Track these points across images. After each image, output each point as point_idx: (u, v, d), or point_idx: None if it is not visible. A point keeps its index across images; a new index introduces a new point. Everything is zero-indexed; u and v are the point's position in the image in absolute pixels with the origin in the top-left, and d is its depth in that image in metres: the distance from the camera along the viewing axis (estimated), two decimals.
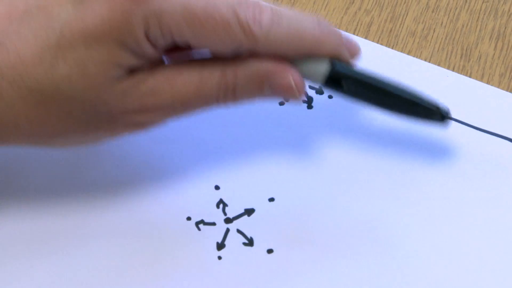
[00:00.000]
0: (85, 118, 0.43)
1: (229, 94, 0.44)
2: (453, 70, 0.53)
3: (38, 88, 0.42)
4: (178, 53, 0.45)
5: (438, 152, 0.50)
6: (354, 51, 0.46)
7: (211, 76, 0.44)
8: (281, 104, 0.52)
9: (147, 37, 0.42)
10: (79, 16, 0.41)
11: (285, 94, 0.44)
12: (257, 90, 0.44)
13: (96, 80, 0.42)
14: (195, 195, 0.49)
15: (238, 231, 0.48)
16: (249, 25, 0.42)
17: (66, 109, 0.42)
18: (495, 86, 0.52)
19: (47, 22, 0.42)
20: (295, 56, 0.44)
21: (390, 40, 0.54)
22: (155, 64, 0.43)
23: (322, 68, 0.45)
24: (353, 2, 0.55)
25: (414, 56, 0.53)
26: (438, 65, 0.53)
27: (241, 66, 0.44)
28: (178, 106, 0.44)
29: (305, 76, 0.45)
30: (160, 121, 0.45)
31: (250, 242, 0.48)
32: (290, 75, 0.44)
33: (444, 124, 0.47)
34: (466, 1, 0.55)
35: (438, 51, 0.54)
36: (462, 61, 0.53)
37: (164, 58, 0.44)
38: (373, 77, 0.46)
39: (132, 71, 0.43)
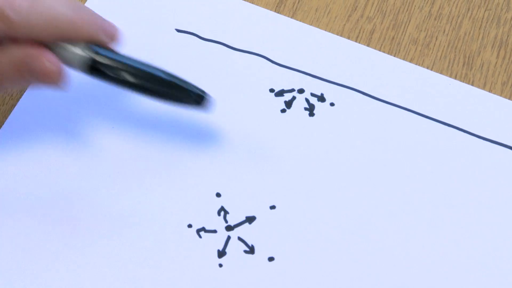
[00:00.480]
0: None
1: None
2: (455, 78, 0.53)
3: None
4: None
5: (441, 161, 0.50)
6: (113, 36, 0.47)
7: None
8: (283, 111, 0.52)
9: None
10: None
11: (45, 79, 0.45)
12: (19, 77, 0.45)
13: None
14: (196, 202, 0.49)
15: (239, 238, 0.48)
16: (4, 11, 0.43)
17: None
18: (497, 95, 0.52)
19: None
20: (52, 40, 0.45)
21: (392, 47, 0.54)
22: None
23: (79, 51, 0.45)
24: (355, 9, 0.55)
25: (416, 64, 0.53)
26: (441, 73, 0.53)
27: (1, 53, 0.45)
28: None
29: (65, 61, 0.45)
30: None
31: (251, 250, 0.48)
32: (46, 59, 0.45)
33: (202, 108, 0.47)
34: (468, 9, 0.55)
35: (440, 59, 0.54)
36: (465, 69, 0.53)
37: None
38: (129, 60, 0.46)
39: None
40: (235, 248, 0.48)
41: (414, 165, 0.50)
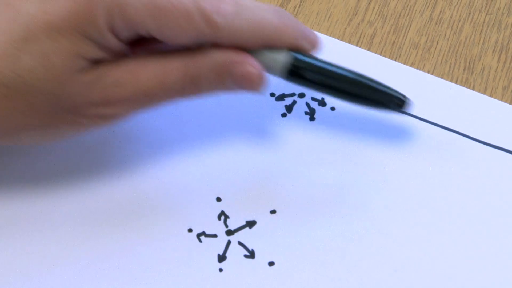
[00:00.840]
0: (49, 111, 0.43)
1: (192, 86, 0.44)
2: (456, 82, 0.53)
3: (3, 82, 0.42)
4: (145, 46, 0.45)
5: (441, 165, 0.50)
6: (314, 43, 0.46)
7: (174, 68, 0.44)
8: (284, 116, 0.52)
9: (111, 28, 0.42)
10: (44, 9, 0.42)
11: (246, 84, 0.45)
12: (219, 82, 0.45)
13: (60, 71, 0.42)
14: (196, 206, 0.49)
15: (240, 243, 0.48)
16: (211, 15, 0.43)
17: (31, 101, 0.42)
18: (498, 99, 0.52)
19: (14, 17, 0.42)
20: (256, 47, 0.45)
21: (393, 52, 0.54)
22: (119, 57, 0.44)
23: (282, 58, 0.45)
24: (356, 13, 0.55)
25: (417, 69, 0.53)
26: (441, 77, 0.53)
27: (202, 57, 0.44)
28: (141, 98, 0.44)
29: (266, 67, 0.45)
30: (125, 114, 0.45)
31: (251, 255, 0.48)
32: (250, 65, 0.44)
33: (403, 112, 0.48)
34: (469, 14, 0.55)
35: (441, 63, 0.54)
36: (465, 73, 0.53)
37: (128, 51, 0.44)
38: (333, 67, 0.46)
39: (96, 63, 0.43)
40: (236, 253, 0.48)
41: (415, 170, 0.50)
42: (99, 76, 0.43)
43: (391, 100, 0.47)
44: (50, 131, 0.44)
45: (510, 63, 0.54)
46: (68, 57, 0.42)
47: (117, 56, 0.44)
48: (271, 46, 0.45)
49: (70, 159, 0.50)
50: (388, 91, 0.47)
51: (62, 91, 0.43)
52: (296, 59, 0.46)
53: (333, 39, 0.54)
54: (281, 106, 0.52)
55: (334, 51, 0.53)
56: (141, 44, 0.46)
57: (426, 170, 0.50)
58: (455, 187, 0.49)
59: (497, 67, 0.53)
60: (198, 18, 0.43)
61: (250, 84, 0.45)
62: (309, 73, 0.46)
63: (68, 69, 0.42)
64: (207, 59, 0.44)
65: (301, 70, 0.46)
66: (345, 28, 0.55)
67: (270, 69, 0.46)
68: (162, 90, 0.44)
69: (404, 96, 0.47)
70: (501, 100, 0.52)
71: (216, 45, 0.44)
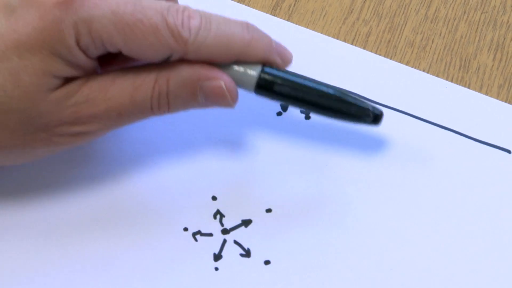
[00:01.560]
0: (21, 130, 0.43)
1: (163, 102, 0.44)
2: (451, 81, 0.53)
3: None
4: (117, 63, 0.45)
5: (436, 164, 0.50)
6: (286, 57, 0.46)
7: (144, 84, 0.44)
8: (279, 114, 0.51)
9: (79, 45, 0.42)
10: (11, 27, 0.42)
11: (217, 100, 0.44)
12: (190, 97, 0.44)
13: (30, 89, 0.42)
14: (192, 205, 0.49)
15: (235, 242, 0.48)
16: (178, 30, 0.42)
17: (2, 120, 0.42)
18: (493, 97, 0.52)
19: None
20: (226, 62, 0.44)
21: (389, 50, 0.54)
22: (90, 74, 0.44)
23: (253, 73, 0.45)
24: (351, 12, 0.55)
25: (412, 67, 0.53)
26: (437, 76, 0.53)
27: (173, 72, 0.44)
28: (113, 115, 0.44)
29: (237, 82, 0.45)
30: (98, 132, 0.44)
31: (247, 253, 0.47)
32: (222, 80, 0.44)
33: (376, 125, 0.47)
34: (464, 12, 0.55)
35: (436, 62, 0.54)
36: (461, 72, 0.53)
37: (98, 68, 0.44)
38: (306, 80, 0.46)
39: (67, 81, 0.43)
40: (231, 252, 0.47)
41: (411, 168, 0.50)
42: (70, 93, 0.43)
43: (365, 114, 0.46)
44: (25, 151, 0.44)
45: (505, 62, 0.54)
46: (38, 75, 0.42)
47: (87, 74, 0.43)
48: (242, 60, 0.45)
49: (65, 158, 0.50)
50: (363, 105, 0.46)
51: (33, 110, 0.42)
52: (267, 73, 0.45)
53: (328, 37, 0.54)
54: (276, 105, 0.52)
55: (329, 50, 0.53)
56: (113, 62, 0.46)
57: (421, 168, 0.50)
58: (450, 185, 0.49)
59: (492, 66, 0.53)
60: (166, 34, 0.42)
61: (222, 99, 0.44)
62: (281, 87, 0.45)
63: (38, 87, 0.42)
64: (177, 74, 0.44)
65: (273, 84, 0.45)
66: (340, 27, 0.55)
67: (241, 84, 0.45)
68: (133, 106, 0.44)
69: (378, 111, 0.46)
70: (497, 98, 0.52)
71: (187, 61, 0.44)
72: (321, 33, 0.54)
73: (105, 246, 0.47)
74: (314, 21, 0.55)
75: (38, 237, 0.48)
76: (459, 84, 0.53)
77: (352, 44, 0.54)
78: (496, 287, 0.46)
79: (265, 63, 0.45)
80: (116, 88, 0.43)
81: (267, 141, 0.51)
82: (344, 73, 0.53)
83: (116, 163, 0.50)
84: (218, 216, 0.48)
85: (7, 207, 0.48)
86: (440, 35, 0.55)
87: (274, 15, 0.55)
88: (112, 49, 0.43)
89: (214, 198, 0.49)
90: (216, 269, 0.47)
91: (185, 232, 0.48)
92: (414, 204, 0.49)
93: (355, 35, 0.55)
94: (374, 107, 0.46)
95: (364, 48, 0.54)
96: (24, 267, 0.47)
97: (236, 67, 0.45)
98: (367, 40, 0.54)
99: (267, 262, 0.47)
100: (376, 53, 0.54)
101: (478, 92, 0.52)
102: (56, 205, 0.48)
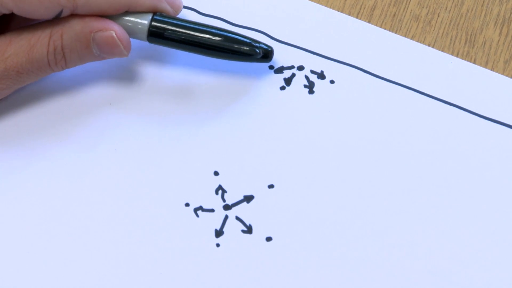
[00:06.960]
0: None
1: (59, 57, 0.47)
2: (457, 56, 0.52)
3: None
4: (13, 25, 0.48)
5: (441, 140, 0.50)
6: (175, 4, 0.49)
7: (39, 41, 0.46)
8: (282, 88, 0.51)
9: None
10: None
11: (111, 49, 0.47)
12: (85, 50, 0.47)
13: None
14: (193, 181, 0.48)
15: (237, 218, 0.48)
16: None
17: None
18: (499, 73, 0.52)
19: None
20: (117, 13, 0.47)
21: (394, 24, 0.53)
22: None
23: (144, 22, 0.48)
24: None
25: (417, 41, 0.53)
26: (442, 50, 0.52)
27: (65, 27, 0.46)
28: (12, 75, 0.46)
29: (129, 31, 0.48)
30: (1, 91, 0.47)
31: (249, 230, 0.47)
32: (112, 30, 0.46)
33: (267, 61, 0.49)
34: None
35: (442, 36, 0.53)
36: (467, 47, 0.53)
37: None
38: (195, 24, 0.48)
39: None
40: (233, 228, 0.47)
41: (415, 144, 0.49)
42: None
43: (254, 52, 0.49)
44: None
45: None
46: None
47: None
48: (132, 10, 0.47)
49: (64, 131, 0.50)
50: (250, 42, 0.48)
51: None
52: (157, 20, 0.48)
53: (333, 11, 0.53)
54: (279, 79, 0.51)
55: (334, 23, 0.53)
56: (8, 26, 0.48)
57: (426, 144, 0.49)
58: (454, 161, 0.49)
59: (498, 40, 0.53)
60: None
61: (115, 48, 0.47)
62: (172, 34, 0.48)
63: None
64: (69, 29, 0.46)
65: (164, 31, 0.48)
66: (345, 0, 0.54)
67: (135, 34, 0.48)
68: (30, 64, 0.46)
69: (268, 47, 0.49)
70: (503, 74, 0.52)
71: (79, 16, 0.46)
72: (326, 6, 0.54)
73: (105, 222, 0.47)
74: None
75: (36, 210, 0.48)
76: (465, 59, 0.52)
77: (357, 17, 0.54)
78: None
79: (155, 12, 0.48)
80: (13, 47, 0.46)
81: (269, 115, 0.50)
82: (349, 47, 0.52)
83: (117, 138, 0.49)
84: (220, 192, 0.48)
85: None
86: (446, 9, 0.54)
87: None
88: (4, 10, 0.45)
89: (216, 173, 0.49)
90: (218, 245, 0.47)
91: (187, 208, 0.48)
92: (415, 182, 0.48)
93: (360, 9, 0.54)
94: (264, 45, 0.49)
95: (369, 22, 0.53)
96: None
97: (127, 18, 0.47)
98: (372, 14, 0.54)
99: (269, 239, 0.47)
100: (381, 27, 0.53)
101: (484, 67, 0.52)
102: (53, 177, 0.48)
